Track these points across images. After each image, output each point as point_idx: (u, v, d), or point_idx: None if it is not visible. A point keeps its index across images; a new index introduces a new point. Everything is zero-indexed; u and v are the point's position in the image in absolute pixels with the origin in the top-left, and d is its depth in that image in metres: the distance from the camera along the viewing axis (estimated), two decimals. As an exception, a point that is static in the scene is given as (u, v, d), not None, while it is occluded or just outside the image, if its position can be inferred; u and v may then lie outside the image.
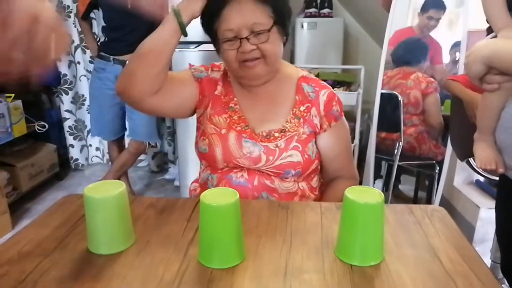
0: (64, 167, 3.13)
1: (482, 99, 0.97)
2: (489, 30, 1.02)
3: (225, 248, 0.66)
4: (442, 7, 2.45)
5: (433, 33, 2.64)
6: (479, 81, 0.92)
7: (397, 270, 0.65)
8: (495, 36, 0.96)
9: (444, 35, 2.69)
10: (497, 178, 1.06)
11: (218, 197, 0.65)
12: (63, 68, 2.96)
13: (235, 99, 1.04)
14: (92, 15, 2.53)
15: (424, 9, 2.50)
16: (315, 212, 0.84)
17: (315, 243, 0.73)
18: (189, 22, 0.95)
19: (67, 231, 0.78)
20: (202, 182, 1.07)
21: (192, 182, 1.15)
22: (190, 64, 1.10)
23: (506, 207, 1.00)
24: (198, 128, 1.07)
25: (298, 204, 0.90)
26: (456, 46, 2.50)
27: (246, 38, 0.92)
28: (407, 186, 2.82)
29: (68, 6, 2.83)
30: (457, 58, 2.37)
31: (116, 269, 0.66)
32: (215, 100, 1.04)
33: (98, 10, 2.39)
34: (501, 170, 0.93)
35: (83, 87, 3.09)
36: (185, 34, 0.95)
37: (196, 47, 2.54)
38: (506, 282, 1.75)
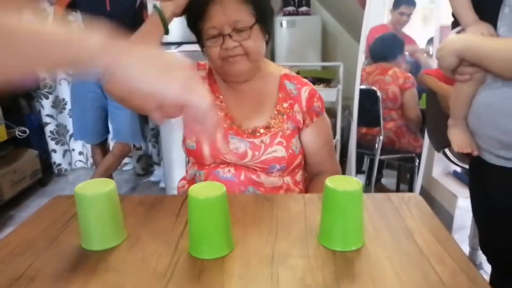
0: (47, 172, 3.10)
1: (455, 88, 1.03)
2: (454, 25, 1.08)
3: (214, 239, 0.69)
4: (412, 3, 2.54)
5: (408, 29, 2.73)
6: (451, 72, 0.99)
7: (376, 252, 0.69)
8: (461, 30, 1.03)
9: (419, 31, 2.78)
10: (468, 167, 1.13)
11: (206, 190, 0.68)
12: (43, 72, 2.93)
13: (220, 96, 1.08)
14: (70, 17, 2.51)
15: (395, 5, 2.59)
16: (299, 203, 0.88)
17: (299, 231, 0.77)
18: (171, 19, 0.99)
19: (58, 230, 0.80)
20: (189, 178, 1.10)
21: (180, 180, 1.18)
22: None
23: (479, 185, 1.07)
24: (185, 125, 1.10)
25: (282, 196, 0.94)
26: (430, 42, 2.59)
27: (228, 35, 0.95)
28: (389, 179, 2.90)
29: (45, 9, 2.80)
30: (431, 53, 2.46)
31: (110, 263, 0.68)
32: None
33: (76, 12, 2.38)
34: (475, 153, 1.00)
35: (64, 91, 3.06)
36: (167, 32, 0.98)
37: (176, 47, 2.56)
38: (483, 268, 1.83)
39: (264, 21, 1.01)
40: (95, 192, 0.71)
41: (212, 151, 1.01)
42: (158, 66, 0.49)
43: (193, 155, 1.06)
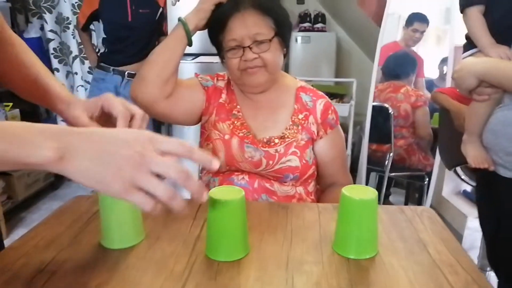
0: (59, 176, 3.13)
1: (472, 107, 1.08)
2: (466, 47, 1.15)
3: (232, 241, 0.71)
4: (426, 20, 2.58)
5: (421, 49, 2.76)
6: (469, 93, 1.04)
7: (390, 261, 0.70)
8: (476, 52, 1.08)
9: (432, 51, 2.81)
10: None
11: (225, 193, 0.71)
12: (61, 79, 3.01)
13: (238, 106, 1.11)
14: (91, 26, 2.59)
15: (408, 22, 2.62)
16: (313, 212, 0.90)
17: (314, 239, 0.78)
18: (194, 32, 1.03)
19: (80, 228, 0.82)
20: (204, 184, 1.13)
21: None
22: (196, 73, 1.16)
23: (491, 200, 1.08)
24: (202, 134, 1.13)
25: (297, 205, 0.96)
26: (444, 61, 2.61)
27: (248, 47, 0.99)
28: (397, 197, 2.90)
29: (68, 18, 2.89)
30: (444, 72, 2.48)
31: (130, 261, 0.71)
32: (220, 107, 1.10)
33: (98, 22, 2.45)
34: (492, 168, 1.03)
35: (80, 97, 3.13)
36: (190, 43, 1.02)
37: (193, 59, 2.61)
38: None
39: (283, 34, 1.04)
40: None
41: (227, 159, 1.04)
42: (104, 166, 0.48)
43: None
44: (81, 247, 0.75)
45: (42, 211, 2.68)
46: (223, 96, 1.12)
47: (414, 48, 2.70)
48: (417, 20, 2.59)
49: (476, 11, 1.06)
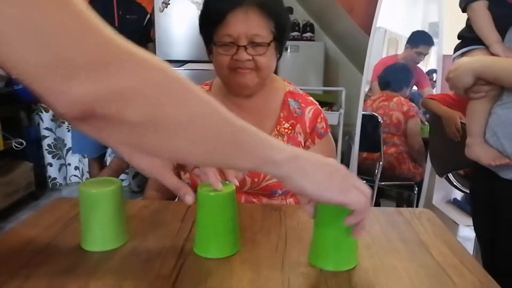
0: (40, 186, 3.05)
1: (470, 107, 1.06)
2: (458, 48, 1.13)
3: (222, 237, 0.67)
4: (432, 43, 2.58)
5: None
6: (465, 92, 1.02)
7: (392, 263, 0.66)
8: (466, 52, 1.07)
9: (420, 64, 2.83)
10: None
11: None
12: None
13: None
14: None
15: (414, 43, 2.60)
16: (308, 213, 0.85)
17: (309, 240, 0.74)
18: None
19: (58, 230, 0.76)
20: None
21: (177, 198, 1.14)
22: None
23: (489, 203, 1.06)
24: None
25: (290, 206, 0.92)
26: (430, 73, 2.64)
27: (244, 46, 0.92)
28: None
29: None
30: (434, 79, 2.49)
31: (112, 264, 0.65)
32: None
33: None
34: (507, 160, 0.98)
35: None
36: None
37: (181, 66, 2.58)
38: None
39: (281, 40, 0.98)
40: (100, 189, 0.68)
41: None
42: (324, 174, 0.55)
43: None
44: (59, 249, 0.70)
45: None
46: None
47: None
48: (423, 43, 2.56)
49: (482, 5, 1.03)
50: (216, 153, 0.50)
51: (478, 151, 1.03)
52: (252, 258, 0.67)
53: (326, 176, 0.55)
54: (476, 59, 1.02)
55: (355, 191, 0.57)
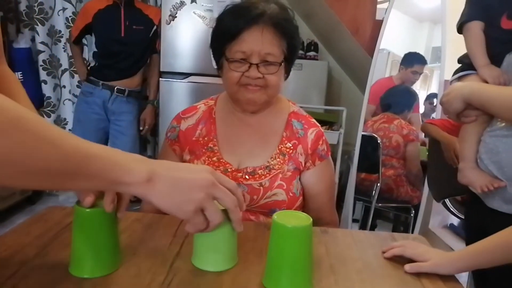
0: (37, 191, 3.03)
1: (462, 131, 1.07)
2: (457, 71, 1.15)
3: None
4: (425, 62, 2.61)
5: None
6: (456, 116, 1.02)
7: (382, 290, 0.66)
8: (463, 76, 1.08)
9: (420, 87, 2.85)
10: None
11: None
12: (48, 91, 2.95)
13: (215, 139, 1.03)
14: (84, 40, 2.57)
15: (408, 63, 2.62)
16: (301, 234, 0.85)
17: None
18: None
19: (49, 240, 0.76)
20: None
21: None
22: (167, 131, 1.10)
23: (480, 232, 1.05)
24: None
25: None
26: (430, 97, 2.65)
27: (256, 64, 0.93)
28: (384, 230, 2.85)
29: (60, 31, 2.87)
30: (434, 104, 2.50)
31: (100, 279, 0.64)
32: (193, 145, 1.04)
33: (91, 35, 2.43)
34: (502, 184, 0.95)
35: (67, 110, 3.06)
36: None
37: (184, 78, 2.60)
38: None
39: (291, 60, 0.99)
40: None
41: None
42: (180, 193, 0.57)
43: None
44: (48, 260, 0.69)
45: (16, 226, 2.56)
46: (197, 132, 1.05)
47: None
48: (417, 63, 2.59)
49: (477, 26, 1.04)
50: (51, 180, 0.49)
51: (471, 175, 1.02)
52: (242, 277, 0.66)
53: (181, 196, 0.57)
54: (467, 85, 1.02)
55: (208, 212, 0.59)
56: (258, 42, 0.92)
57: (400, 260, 0.76)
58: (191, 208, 0.57)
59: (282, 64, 0.96)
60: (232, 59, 0.95)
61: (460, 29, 1.10)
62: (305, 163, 1.02)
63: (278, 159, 1.00)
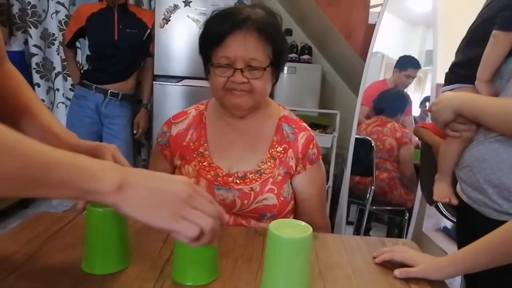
0: (30, 194, 3.01)
1: (444, 145, 1.10)
2: (447, 80, 1.16)
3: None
4: (419, 66, 2.62)
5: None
6: (444, 126, 1.03)
7: (371, 296, 0.66)
8: (455, 89, 1.09)
9: (414, 90, 2.87)
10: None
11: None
12: (41, 94, 2.94)
13: (205, 144, 1.03)
14: (77, 44, 2.56)
15: (402, 67, 2.63)
16: (291, 240, 0.85)
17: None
18: None
19: (38, 247, 0.76)
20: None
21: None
22: (157, 136, 1.10)
23: (468, 237, 1.06)
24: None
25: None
26: (425, 101, 2.66)
27: (240, 69, 0.93)
28: (378, 232, 2.86)
29: (53, 34, 2.86)
30: (427, 107, 2.52)
31: (90, 285, 0.64)
32: (183, 150, 1.04)
33: (84, 39, 2.42)
34: (454, 202, 1.08)
35: (60, 114, 3.04)
36: None
37: (178, 81, 2.59)
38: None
39: (278, 65, 0.99)
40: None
41: None
42: (154, 202, 0.54)
43: None
44: (37, 267, 0.69)
45: (7, 230, 2.54)
46: (188, 137, 1.05)
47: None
48: (411, 67, 2.60)
49: (508, 39, 0.95)
50: (13, 189, 0.48)
51: (437, 186, 1.12)
52: (231, 286, 0.66)
53: (156, 204, 0.54)
54: (458, 95, 1.02)
55: (190, 219, 0.55)
56: (241, 47, 0.92)
57: (389, 266, 0.76)
58: (167, 215, 0.54)
59: (267, 69, 0.95)
60: (217, 64, 0.95)
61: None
62: (296, 167, 1.02)
63: (268, 163, 1.00)
